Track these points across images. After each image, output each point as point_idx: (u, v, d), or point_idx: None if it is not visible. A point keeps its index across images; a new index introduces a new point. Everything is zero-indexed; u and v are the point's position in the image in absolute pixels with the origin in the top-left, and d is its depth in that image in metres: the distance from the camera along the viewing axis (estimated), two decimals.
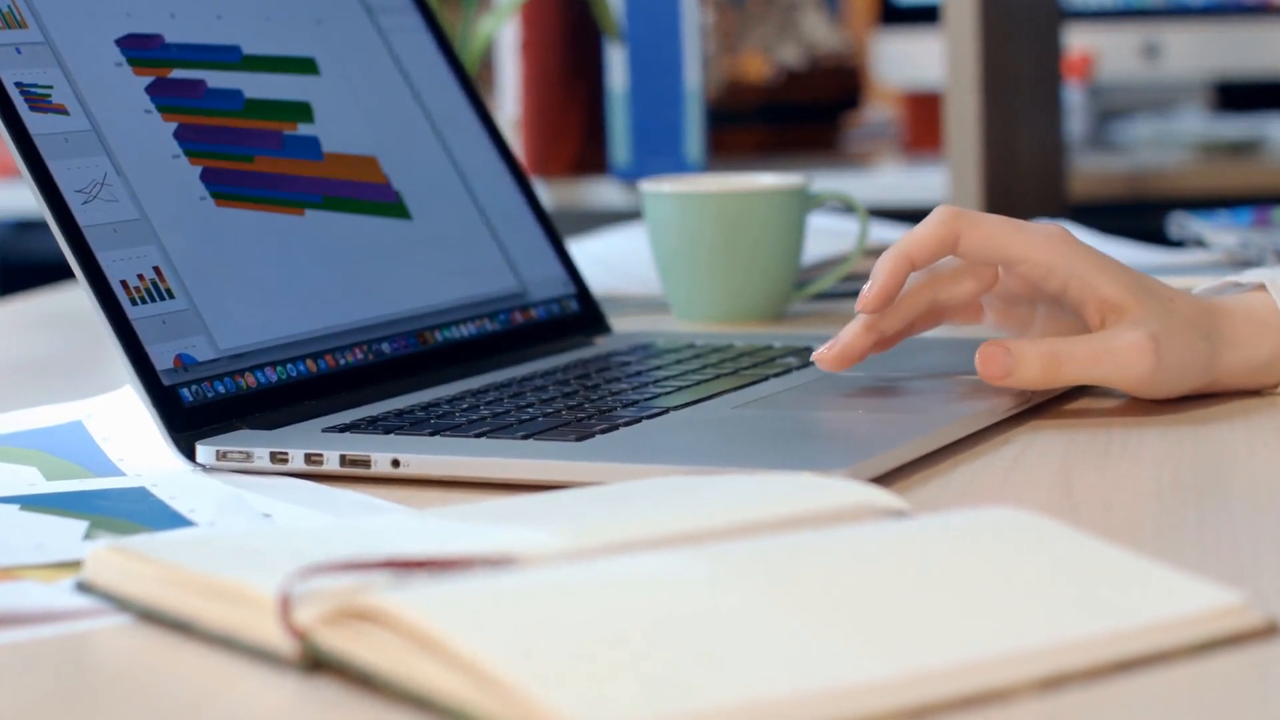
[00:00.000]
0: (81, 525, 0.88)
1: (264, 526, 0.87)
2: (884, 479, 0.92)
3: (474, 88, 1.30)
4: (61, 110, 1.04)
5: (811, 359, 1.07)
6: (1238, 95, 3.07)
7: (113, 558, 0.75)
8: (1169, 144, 2.85)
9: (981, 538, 0.74)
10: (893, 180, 2.51)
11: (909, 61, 2.84)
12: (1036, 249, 1.03)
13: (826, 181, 1.44)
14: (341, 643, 0.66)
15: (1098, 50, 2.93)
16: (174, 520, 0.89)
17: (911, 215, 1.98)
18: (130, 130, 1.07)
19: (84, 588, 0.76)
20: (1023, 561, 0.72)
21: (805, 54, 2.71)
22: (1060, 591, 0.70)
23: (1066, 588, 0.70)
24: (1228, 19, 2.93)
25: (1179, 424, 1.02)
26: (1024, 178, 2.18)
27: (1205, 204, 2.14)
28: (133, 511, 0.90)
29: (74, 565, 0.80)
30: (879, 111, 3.13)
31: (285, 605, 0.67)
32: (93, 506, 0.91)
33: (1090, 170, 2.64)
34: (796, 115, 2.72)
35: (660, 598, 0.66)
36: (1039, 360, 1.02)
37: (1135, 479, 0.93)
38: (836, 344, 1.06)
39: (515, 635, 0.63)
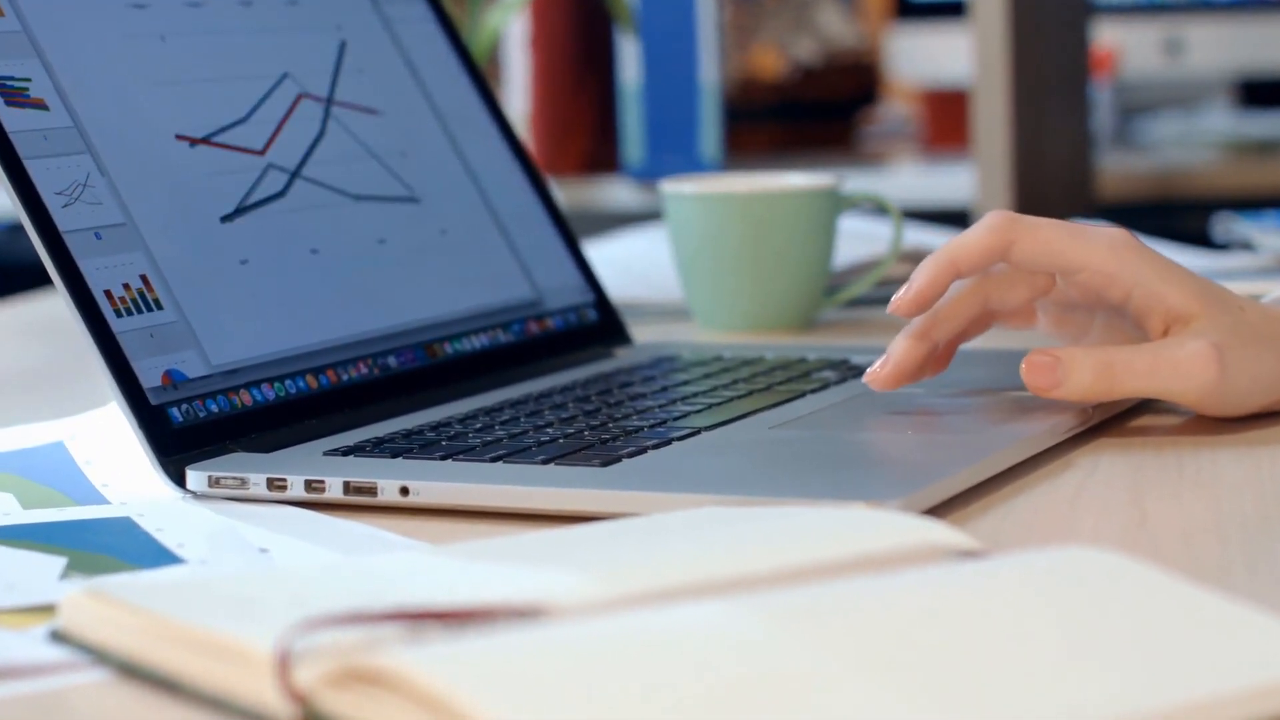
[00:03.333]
0: (59, 562, 0.80)
1: (260, 566, 0.80)
2: (939, 509, 0.84)
3: (485, 83, 1.23)
4: (41, 105, 0.96)
5: (863, 380, 0.99)
6: (1262, 92, 3.01)
7: (91, 604, 0.68)
8: (1195, 142, 2.78)
9: (1064, 584, 0.67)
10: (911, 179, 2.46)
11: (926, 57, 2.79)
12: (1097, 256, 0.96)
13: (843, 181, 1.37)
14: (347, 707, 0.60)
15: (1119, 46, 2.87)
16: (161, 556, 0.82)
17: (932, 215, 1.93)
18: (115, 128, 0.99)
19: (58, 637, 0.69)
20: (1112, 612, 0.65)
21: (820, 50, 2.65)
22: (1158, 648, 0.63)
23: (1164, 643, 0.63)
24: (1251, 13, 2.87)
25: (1253, 444, 0.95)
26: (1053, 178, 2.11)
27: (1236, 204, 2.07)
28: (116, 546, 0.83)
29: (48, 610, 0.73)
30: (896, 109, 3.06)
31: (284, 663, 0.60)
32: (72, 539, 0.84)
33: (1116, 169, 2.57)
34: (811, 112, 2.67)
35: (710, 658, 0.59)
36: (1092, 370, 0.94)
37: (1214, 508, 0.85)
38: (888, 361, 0.98)
39: (545, 701, 0.57)
